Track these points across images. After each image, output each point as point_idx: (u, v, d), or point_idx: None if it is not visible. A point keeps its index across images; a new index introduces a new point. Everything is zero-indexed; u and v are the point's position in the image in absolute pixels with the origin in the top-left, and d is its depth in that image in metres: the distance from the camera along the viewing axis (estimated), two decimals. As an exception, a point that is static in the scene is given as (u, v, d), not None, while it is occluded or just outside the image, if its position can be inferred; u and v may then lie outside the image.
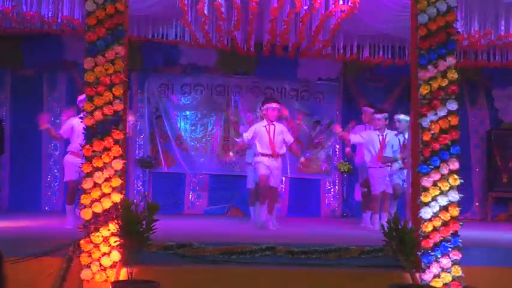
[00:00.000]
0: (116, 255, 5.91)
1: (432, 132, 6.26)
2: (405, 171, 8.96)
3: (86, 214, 5.94)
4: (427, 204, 6.18)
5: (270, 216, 8.95)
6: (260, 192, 9.12)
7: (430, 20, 6.38)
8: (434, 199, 6.18)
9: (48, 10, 9.29)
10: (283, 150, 9.13)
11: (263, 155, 8.94)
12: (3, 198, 12.08)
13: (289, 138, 9.13)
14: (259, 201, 9.11)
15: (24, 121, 12.11)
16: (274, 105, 9.10)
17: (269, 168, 8.88)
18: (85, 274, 5.84)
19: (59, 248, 6.21)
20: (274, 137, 8.93)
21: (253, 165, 9.26)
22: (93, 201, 5.96)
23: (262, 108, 9.32)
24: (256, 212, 9.40)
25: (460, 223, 6.20)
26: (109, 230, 5.91)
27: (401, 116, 9.21)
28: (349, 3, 8.45)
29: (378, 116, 9.53)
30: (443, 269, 6.05)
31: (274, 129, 8.98)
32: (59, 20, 9.50)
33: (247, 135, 9.10)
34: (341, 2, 8.48)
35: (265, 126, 9.01)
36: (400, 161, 9.12)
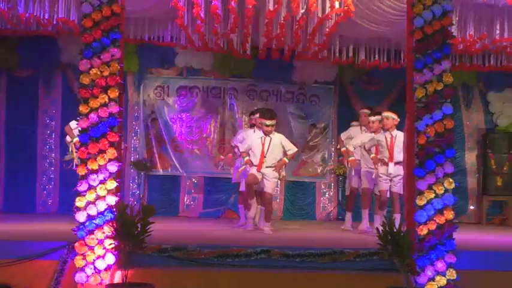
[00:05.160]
0: (110, 258, 5.90)
1: (427, 135, 6.27)
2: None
3: (81, 217, 5.93)
4: (422, 207, 6.19)
5: (267, 224, 8.93)
6: (246, 190, 9.15)
7: (426, 23, 6.40)
8: (429, 202, 6.19)
9: (44, 12, 9.28)
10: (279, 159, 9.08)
11: (254, 165, 8.98)
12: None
13: (291, 148, 9.07)
14: (246, 206, 9.23)
15: (19, 122, 12.11)
16: (269, 121, 9.01)
17: (261, 174, 8.93)
18: (79, 277, 5.83)
19: (53, 250, 6.20)
20: (268, 151, 8.91)
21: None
22: (88, 203, 5.95)
23: (255, 118, 9.31)
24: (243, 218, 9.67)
25: (455, 226, 6.21)
26: (104, 232, 5.91)
27: (388, 114, 9.28)
28: (345, 7, 8.45)
29: (373, 118, 9.57)
30: (438, 272, 6.05)
31: (270, 141, 8.95)
32: (55, 22, 9.49)
33: (242, 148, 9.19)
34: (337, 6, 8.48)
35: (260, 138, 9.02)
36: None
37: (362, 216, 9.63)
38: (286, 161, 9.17)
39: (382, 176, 9.14)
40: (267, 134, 9.00)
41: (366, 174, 9.57)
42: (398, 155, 8.71)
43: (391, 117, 9.20)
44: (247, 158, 9.08)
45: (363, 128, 10.15)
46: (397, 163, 8.92)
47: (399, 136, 8.89)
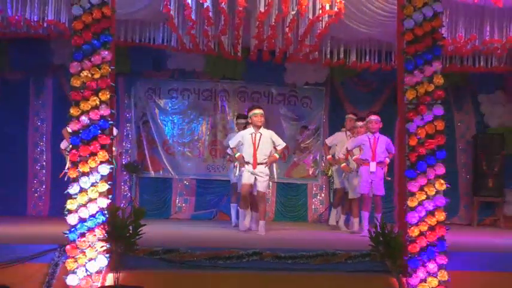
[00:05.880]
0: (102, 260, 5.88)
1: (418, 137, 6.28)
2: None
3: (72, 219, 5.91)
4: (413, 209, 6.20)
5: (262, 222, 9.08)
6: (242, 200, 9.35)
7: (416, 25, 6.42)
8: (420, 204, 6.20)
9: (34, 14, 9.24)
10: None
11: (247, 162, 9.11)
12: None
13: (280, 143, 9.22)
14: (242, 208, 9.39)
15: (10, 125, 12.05)
16: (258, 110, 9.22)
17: (254, 174, 9.06)
18: (71, 280, 5.81)
19: (45, 253, 6.18)
20: (258, 146, 9.06)
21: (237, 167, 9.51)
22: (80, 206, 5.94)
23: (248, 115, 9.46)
24: (240, 219, 9.66)
25: (447, 228, 6.22)
26: (95, 235, 5.89)
27: (374, 117, 9.53)
28: (335, 9, 8.46)
29: (360, 123, 9.90)
30: (429, 274, 6.06)
31: (261, 137, 9.10)
32: (45, 25, 9.45)
33: (232, 143, 9.31)
34: (328, 8, 8.49)
35: (251, 134, 9.15)
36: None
37: (353, 220, 9.93)
38: (277, 156, 9.32)
39: (364, 179, 9.42)
40: (258, 126, 9.13)
41: (351, 181, 9.89)
42: (381, 155, 9.31)
43: (379, 120, 9.49)
44: (238, 154, 9.22)
45: (348, 132, 10.50)
46: (378, 163, 9.33)
47: (382, 138, 9.40)
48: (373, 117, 9.52)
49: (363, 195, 9.43)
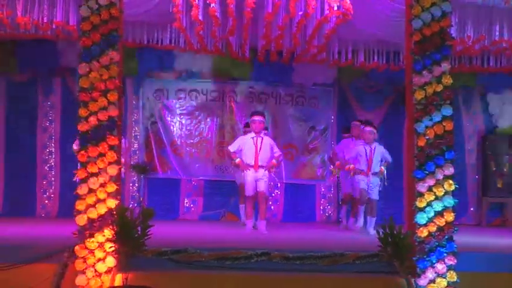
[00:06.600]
0: (111, 261, 5.90)
1: (427, 137, 6.27)
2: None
3: (81, 220, 5.93)
4: (422, 209, 6.19)
5: (262, 222, 9.26)
6: (246, 198, 9.52)
7: (425, 25, 6.40)
8: (429, 204, 6.20)
9: (43, 16, 9.26)
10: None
11: (248, 165, 9.32)
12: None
13: (277, 151, 9.56)
14: (246, 208, 9.61)
15: (18, 126, 12.09)
16: (256, 117, 9.47)
17: (255, 178, 9.30)
18: (80, 280, 5.83)
19: (54, 253, 6.19)
20: (260, 150, 9.30)
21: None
22: (88, 206, 5.95)
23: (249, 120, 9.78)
24: (244, 217, 9.95)
25: (455, 228, 6.21)
26: (104, 235, 5.91)
27: (368, 129, 9.75)
28: (342, 9, 8.44)
29: (369, 129, 9.89)
30: (438, 274, 6.06)
31: (262, 141, 9.35)
32: (54, 26, 9.47)
33: (232, 148, 9.58)
34: (335, 8, 8.48)
35: (252, 138, 9.39)
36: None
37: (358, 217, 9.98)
38: (275, 162, 9.58)
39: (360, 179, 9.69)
40: (257, 132, 9.36)
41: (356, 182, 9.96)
42: (376, 167, 9.58)
43: (373, 132, 9.74)
44: (238, 159, 9.48)
45: (354, 139, 10.67)
46: (373, 174, 9.63)
47: (378, 148, 9.65)
48: (368, 128, 9.75)
49: (361, 190, 9.62)
